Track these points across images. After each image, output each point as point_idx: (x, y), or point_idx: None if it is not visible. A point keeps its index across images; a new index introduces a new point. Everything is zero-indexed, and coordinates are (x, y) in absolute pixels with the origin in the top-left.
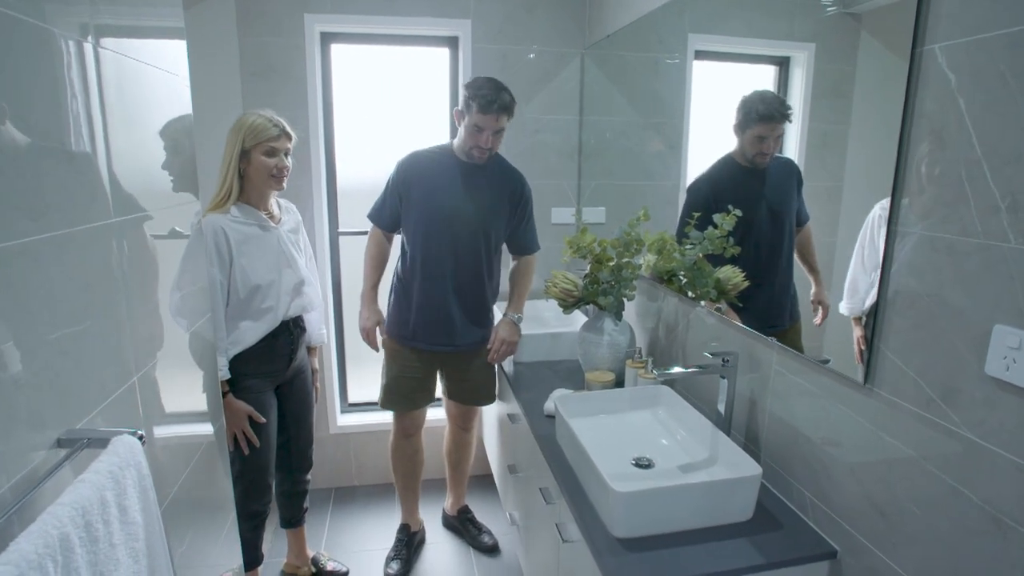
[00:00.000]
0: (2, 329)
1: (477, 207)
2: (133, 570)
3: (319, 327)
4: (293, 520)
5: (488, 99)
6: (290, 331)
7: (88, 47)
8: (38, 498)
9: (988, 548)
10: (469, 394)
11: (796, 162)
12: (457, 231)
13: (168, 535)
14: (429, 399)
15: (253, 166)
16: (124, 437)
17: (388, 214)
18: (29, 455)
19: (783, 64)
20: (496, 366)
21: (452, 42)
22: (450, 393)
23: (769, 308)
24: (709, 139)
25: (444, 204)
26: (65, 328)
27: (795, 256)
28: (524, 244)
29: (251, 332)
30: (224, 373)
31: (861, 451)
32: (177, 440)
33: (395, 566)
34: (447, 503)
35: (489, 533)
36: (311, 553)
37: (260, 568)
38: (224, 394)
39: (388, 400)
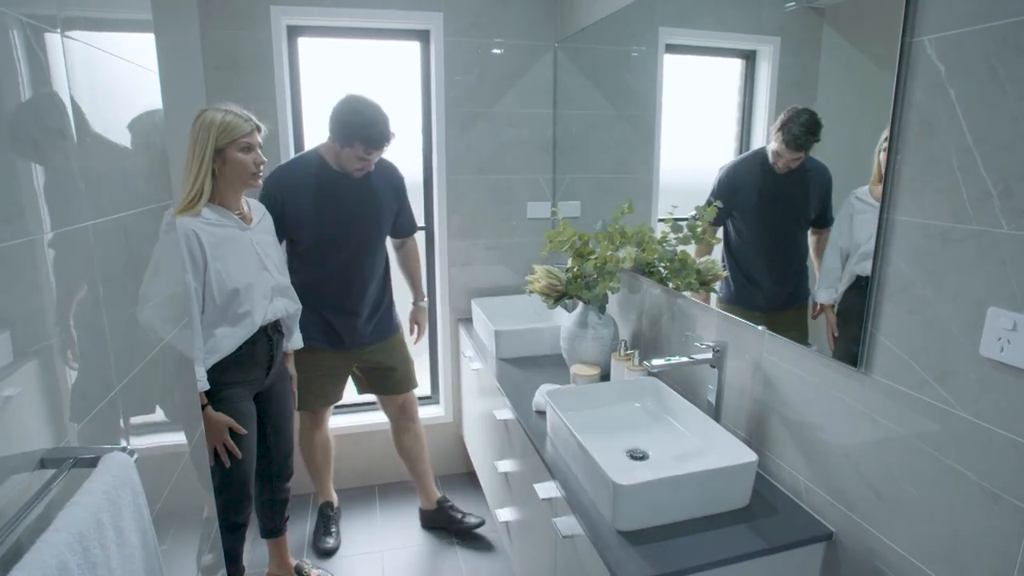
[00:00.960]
0: None
1: (365, 209)
2: None
3: (297, 331)
4: (274, 530)
5: (376, 138)
6: (268, 336)
7: (55, 37)
8: (24, 524)
9: (985, 523)
10: (400, 382)
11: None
12: (349, 236)
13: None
14: (340, 396)
15: (230, 165)
16: (115, 454)
17: None
18: (10, 478)
19: (750, 57)
20: (408, 352)
21: (423, 36)
22: (384, 389)
23: (765, 294)
24: (682, 132)
25: (333, 214)
26: (46, 339)
27: (811, 252)
28: (408, 227)
29: (229, 339)
30: (203, 384)
31: (854, 434)
32: (158, 453)
33: (330, 541)
34: (421, 502)
35: (472, 514)
36: (293, 562)
37: None
38: (202, 407)
39: (307, 402)
